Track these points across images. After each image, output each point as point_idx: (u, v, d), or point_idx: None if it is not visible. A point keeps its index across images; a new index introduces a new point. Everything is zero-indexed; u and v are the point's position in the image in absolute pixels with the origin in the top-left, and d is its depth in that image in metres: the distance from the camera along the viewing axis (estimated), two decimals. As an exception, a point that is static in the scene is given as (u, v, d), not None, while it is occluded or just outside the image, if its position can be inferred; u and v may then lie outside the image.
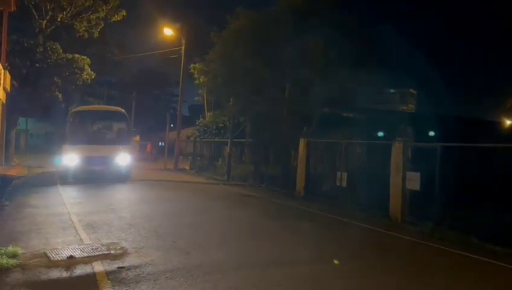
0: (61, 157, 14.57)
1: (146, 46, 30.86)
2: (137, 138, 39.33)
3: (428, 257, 6.71)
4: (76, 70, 21.48)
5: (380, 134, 9.90)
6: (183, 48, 24.47)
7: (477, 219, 7.84)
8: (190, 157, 25.45)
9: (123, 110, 16.24)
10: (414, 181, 9.10)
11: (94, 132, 16.07)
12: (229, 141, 18.32)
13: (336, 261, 4.68)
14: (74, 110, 16.34)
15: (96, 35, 22.77)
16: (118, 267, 5.13)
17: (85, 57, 22.05)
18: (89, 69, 21.98)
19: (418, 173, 9.11)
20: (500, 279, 5.67)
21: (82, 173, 14.07)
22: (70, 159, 14.07)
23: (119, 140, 15.34)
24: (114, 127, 16.31)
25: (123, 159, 14.68)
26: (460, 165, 9.26)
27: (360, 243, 7.37)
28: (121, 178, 14.43)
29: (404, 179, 9.25)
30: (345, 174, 11.54)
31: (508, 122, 31.13)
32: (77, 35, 22.31)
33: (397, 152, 9.52)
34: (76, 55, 21.55)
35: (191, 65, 24.41)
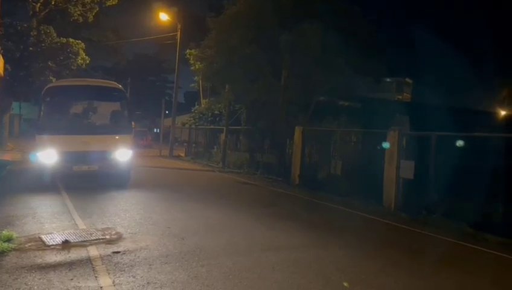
0: (36, 153, 9.92)
1: (141, 32, 30.59)
2: (133, 124, 38.85)
3: (420, 244, 6.80)
4: (70, 54, 21.29)
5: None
6: (178, 33, 24.24)
7: (470, 208, 7.94)
8: (185, 144, 25.44)
9: (120, 86, 11.60)
10: (408, 170, 9.15)
11: (79, 117, 11.50)
12: (224, 128, 18.31)
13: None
14: (51, 85, 11.42)
15: (91, 19, 22.48)
16: (113, 252, 5.15)
17: (79, 41, 21.82)
18: (84, 54, 21.78)
19: (413, 162, 9.16)
20: (490, 266, 5.76)
21: (64, 176, 10.04)
22: (45, 155, 9.64)
23: (116, 127, 10.83)
24: (108, 108, 11.72)
25: (123, 154, 10.33)
26: (454, 155, 9.33)
27: (353, 230, 7.44)
28: (120, 181, 10.52)
29: (398, 168, 9.31)
30: (339, 163, 11.60)
31: (502, 112, 31.38)
32: (71, 19, 22.03)
33: (392, 141, 9.55)
34: (71, 40, 21.31)
35: (187, 51, 24.22)
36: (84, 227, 6.32)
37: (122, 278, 4.35)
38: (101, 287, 4.13)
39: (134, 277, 4.42)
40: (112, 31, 27.80)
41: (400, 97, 37.78)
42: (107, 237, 5.82)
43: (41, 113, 10.32)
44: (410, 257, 5.91)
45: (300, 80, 13.75)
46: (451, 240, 6.91)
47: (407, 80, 41.64)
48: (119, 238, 5.79)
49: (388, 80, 37.66)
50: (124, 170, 10.48)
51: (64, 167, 9.69)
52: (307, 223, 7.58)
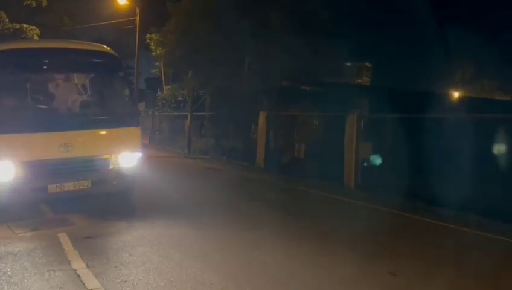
0: None
1: (99, 16, 29.56)
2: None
3: (375, 218, 7.30)
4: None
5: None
6: (138, 17, 23.72)
7: (423, 185, 8.53)
8: (148, 131, 25.18)
9: (111, 50, 7.17)
10: (367, 151, 9.68)
11: (52, 102, 6.95)
12: (188, 114, 18.31)
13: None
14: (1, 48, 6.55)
15: (45, 3, 21.61)
16: (85, 237, 5.25)
17: (34, 27, 21.00)
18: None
19: (370, 143, 9.70)
20: (443, 235, 6.34)
21: (29, 203, 6.14)
22: None
23: (113, 116, 6.77)
24: (98, 86, 7.43)
25: (128, 159, 6.50)
26: (410, 135, 9.93)
27: (314, 208, 7.92)
28: (121, 200, 7.01)
29: (357, 149, 9.79)
30: (302, 146, 12.01)
31: (455, 94, 33.02)
32: (24, 4, 21.09)
33: (351, 124, 10.00)
34: (25, 25, 20.47)
35: (147, 35, 23.80)
36: (52, 214, 6.34)
37: (95, 261, 4.49)
38: (75, 270, 4.25)
39: (107, 259, 4.57)
40: (67, 16, 26.79)
41: (360, 81, 38.84)
42: (77, 223, 5.89)
43: None
44: (366, 229, 6.35)
45: (263, 65, 13.97)
46: (405, 214, 7.46)
47: (367, 64, 42.80)
48: (89, 224, 5.88)
49: (348, 64, 38.55)
50: (128, 185, 6.73)
51: (32, 187, 5.77)
52: (270, 205, 7.89)
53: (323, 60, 15.21)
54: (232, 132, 15.80)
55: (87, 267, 4.34)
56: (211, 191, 9.20)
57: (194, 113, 18.18)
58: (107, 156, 6.35)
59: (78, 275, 4.15)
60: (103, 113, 7.02)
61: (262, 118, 13.30)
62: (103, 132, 6.51)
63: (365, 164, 9.61)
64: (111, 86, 7.37)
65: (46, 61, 6.55)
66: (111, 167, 6.37)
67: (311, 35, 13.44)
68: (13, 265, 4.32)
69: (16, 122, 5.84)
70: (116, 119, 6.70)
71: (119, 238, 5.33)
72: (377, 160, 9.67)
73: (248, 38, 13.79)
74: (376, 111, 12.38)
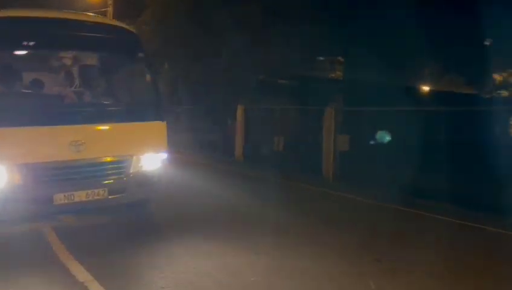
0: None
1: (68, 6, 28.75)
2: None
3: (355, 208, 7.52)
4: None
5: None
6: (110, 8, 23.22)
7: (402, 176, 8.82)
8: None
9: (127, 26, 5.90)
10: (344, 143, 9.93)
11: (55, 85, 5.75)
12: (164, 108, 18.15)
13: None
14: None
15: (14, -6, 20.87)
16: (70, 232, 5.19)
17: (1, 17, 20.25)
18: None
19: (348, 136, 9.96)
20: (420, 224, 6.58)
21: (28, 217, 4.61)
22: None
23: (132, 107, 5.61)
24: (113, 69, 6.02)
25: (152, 161, 5.27)
26: (384, 128, 10.26)
27: (292, 198, 8.11)
28: (139, 214, 5.68)
29: (335, 141, 10.02)
30: (281, 139, 12.17)
31: (426, 88, 33.90)
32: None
33: (329, 117, 10.21)
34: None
35: (121, 27, 23.38)
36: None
37: (84, 255, 4.47)
38: (64, 264, 4.28)
39: (96, 252, 4.60)
40: (36, 6, 25.94)
41: (333, 75, 39.29)
42: (62, 218, 5.80)
43: None
44: (349, 220, 6.58)
45: (240, 59, 14.02)
46: (383, 204, 7.67)
47: (339, 58, 43.26)
48: (74, 218, 5.79)
49: (321, 58, 38.90)
50: (151, 192, 5.46)
51: (32, 198, 4.48)
52: (250, 196, 8.02)
53: (298, 54, 15.41)
54: (210, 125, 15.80)
55: (76, 260, 4.34)
56: (195, 185, 9.21)
57: (169, 107, 18.02)
58: (127, 157, 5.06)
59: (68, 269, 4.17)
60: (121, 103, 5.68)
61: (240, 111, 13.33)
62: (123, 127, 5.17)
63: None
64: (129, 69, 6.01)
65: (49, 35, 4.96)
66: (131, 170, 5.10)
67: (288, 30, 13.59)
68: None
69: (10, 113, 4.45)
70: (137, 111, 5.43)
71: (108, 231, 5.30)
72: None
73: (225, 33, 13.81)
74: (350, 104, 12.64)
